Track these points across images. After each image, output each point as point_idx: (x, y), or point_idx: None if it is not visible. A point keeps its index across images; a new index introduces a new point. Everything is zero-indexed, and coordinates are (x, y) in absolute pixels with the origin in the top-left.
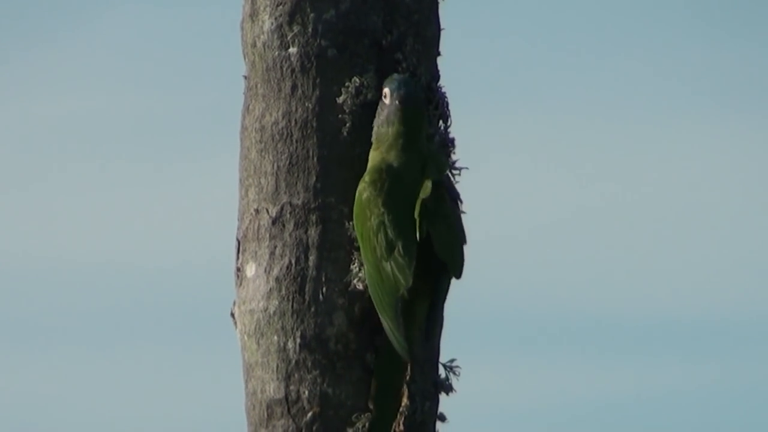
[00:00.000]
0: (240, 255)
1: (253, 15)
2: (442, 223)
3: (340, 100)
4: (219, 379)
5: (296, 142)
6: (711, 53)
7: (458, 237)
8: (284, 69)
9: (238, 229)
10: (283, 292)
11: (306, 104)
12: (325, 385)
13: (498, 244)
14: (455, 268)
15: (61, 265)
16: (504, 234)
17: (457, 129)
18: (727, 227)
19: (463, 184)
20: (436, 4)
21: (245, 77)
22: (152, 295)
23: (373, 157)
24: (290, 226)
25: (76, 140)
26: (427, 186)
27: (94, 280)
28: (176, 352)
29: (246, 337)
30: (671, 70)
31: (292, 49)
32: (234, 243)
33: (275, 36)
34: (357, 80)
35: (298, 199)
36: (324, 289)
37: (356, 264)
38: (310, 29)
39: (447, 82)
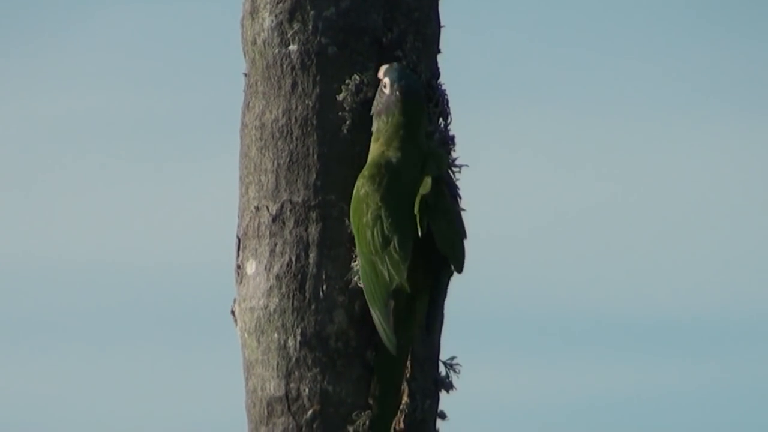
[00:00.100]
0: (240, 252)
1: (254, 12)
2: (443, 218)
3: (340, 97)
4: (219, 376)
5: (296, 139)
6: (711, 51)
7: (459, 232)
8: (284, 66)
9: (239, 226)
10: (284, 289)
11: (306, 102)
12: (325, 382)
13: (498, 241)
14: (456, 262)
15: (60, 264)
16: (504, 232)
17: (457, 126)
18: (727, 226)
19: (463, 182)
20: (436, 1)
21: (245, 75)
22: (153, 292)
23: (374, 149)
24: (290, 223)
25: (76, 139)
26: (427, 182)
27: (95, 278)
28: (177, 350)
29: (246, 335)
30: (671, 68)
31: (293, 47)
32: (234, 240)
33: (275, 33)
34: (357, 78)
35: (299, 197)
36: (324, 287)
37: (356, 261)
38: (310, 27)
39: (447, 80)
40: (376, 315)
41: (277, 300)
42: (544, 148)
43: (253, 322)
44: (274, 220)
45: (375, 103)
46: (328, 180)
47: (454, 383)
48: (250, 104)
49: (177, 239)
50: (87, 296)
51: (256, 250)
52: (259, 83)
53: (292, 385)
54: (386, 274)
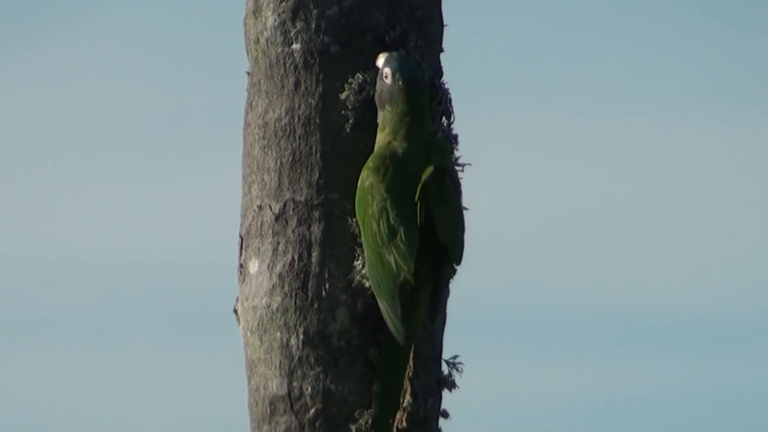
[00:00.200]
0: (243, 251)
1: (256, 11)
2: (445, 208)
3: (343, 96)
4: (222, 375)
5: (299, 138)
6: (713, 50)
7: (459, 223)
8: (287, 65)
9: (241, 225)
10: (286, 288)
11: (309, 100)
12: (327, 381)
13: (500, 240)
14: (455, 253)
15: (61, 263)
16: (506, 230)
17: (459, 125)
18: (728, 226)
19: (465, 181)
20: (439, 0)
21: (248, 73)
22: (155, 291)
23: (379, 139)
24: (293, 222)
25: (77, 137)
26: (429, 170)
27: (96, 277)
28: (179, 349)
29: (249, 334)
30: (674, 66)
31: (295, 46)
32: (237, 239)
33: (278, 32)
34: (360, 76)
35: (301, 196)
36: (327, 286)
37: (359, 260)
38: (313, 25)
39: (450, 79)
40: (383, 306)
41: (280, 299)
42: (546, 147)
43: (256, 321)
44: (276, 218)
45: (377, 92)
46: (331, 179)
47: (457, 382)
48: (253, 103)
49: (179, 238)
50: (88, 296)
51: (259, 248)
52: (262, 82)
53: (294, 383)
54: (393, 264)
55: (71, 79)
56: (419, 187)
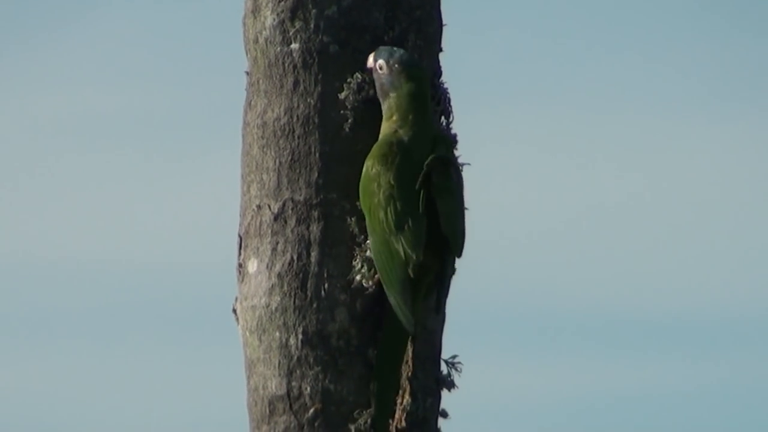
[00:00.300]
0: (242, 251)
1: (255, 11)
2: (448, 198)
3: (342, 96)
4: (221, 375)
5: (298, 138)
6: (715, 49)
7: (461, 215)
8: (286, 65)
9: (240, 225)
10: (285, 288)
11: (308, 100)
12: (327, 381)
13: (499, 240)
14: (456, 245)
15: (60, 263)
16: (505, 230)
17: (458, 125)
18: (728, 226)
19: (464, 181)
20: (438, 0)
21: (247, 73)
22: (154, 291)
23: (385, 127)
24: (292, 222)
25: (76, 137)
26: (431, 158)
27: (95, 276)
28: (178, 349)
29: (248, 334)
30: (677, 66)
31: (294, 45)
32: (236, 239)
33: (277, 32)
34: (359, 76)
35: (300, 195)
36: (326, 285)
37: (358, 260)
38: (312, 25)
39: (449, 78)
40: (392, 297)
41: (279, 298)
42: (545, 147)
43: (255, 321)
44: (275, 218)
45: (378, 88)
46: (330, 178)
47: (456, 382)
48: (252, 103)
49: (178, 238)
50: (87, 295)
51: (258, 248)
52: (260, 81)
53: (293, 383)
54: (402, 253)
55: (71, 79)
56: (421, 175)
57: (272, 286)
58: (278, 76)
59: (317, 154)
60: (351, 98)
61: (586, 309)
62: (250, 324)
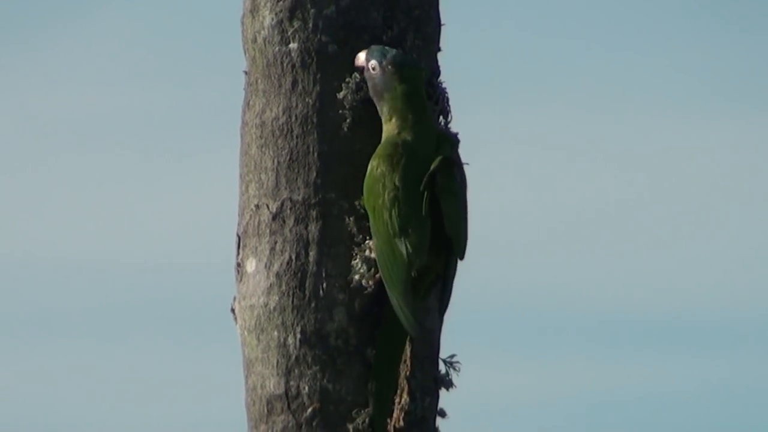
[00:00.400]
0: (240, 250)
1: (254, 10)
2: (452, 199)
3: (340, 95)
4: (219, 374)
5: (296, 137)
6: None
7: (464, 217)
8: (285, 64)
9: (239, 224)
10: (284, 287)
11: (306, 100)
12: (325, 380)
13: (499, 240)
14: (459, 247)
15: (60, 263)
16: (505, 230)
17: (457, 125)
18: (729, 226)
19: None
20: None
21: (245, 73)
22: (153, 291)
23: (387, 129)
24: (290, 221)
25: (75, 137)
26: (438, 160)
27: (94, 276)
28: (177, 348)
29: (246, 333)
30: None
31: (293, 45)
32: (234, 239)
33: (276, 31)
34: (357, 76)
35: (299, 195)
36: (324, 285)
37: (357, 260)
38: (310, 25)
39: (447, 78)
40: (395, 298)
41: (277, 298)
42: (545, 147)
43: (253, 320)
44: (274, 218)
45: (371, 88)
46: (329, 178)
47: (454, 381)
48: (251, 102)
49: (177, 237)
50: (87, 295)
51: (256, 248)
52: (259, 81)
53: (291, 383)
54: (405, 254)
55: (71, 79)
56: (426, 176)
57: (270, 285)
58: (277, 76)
59: (316, 154)
60: (349, 98)
61: (586, 309)
62: (248, 323)
